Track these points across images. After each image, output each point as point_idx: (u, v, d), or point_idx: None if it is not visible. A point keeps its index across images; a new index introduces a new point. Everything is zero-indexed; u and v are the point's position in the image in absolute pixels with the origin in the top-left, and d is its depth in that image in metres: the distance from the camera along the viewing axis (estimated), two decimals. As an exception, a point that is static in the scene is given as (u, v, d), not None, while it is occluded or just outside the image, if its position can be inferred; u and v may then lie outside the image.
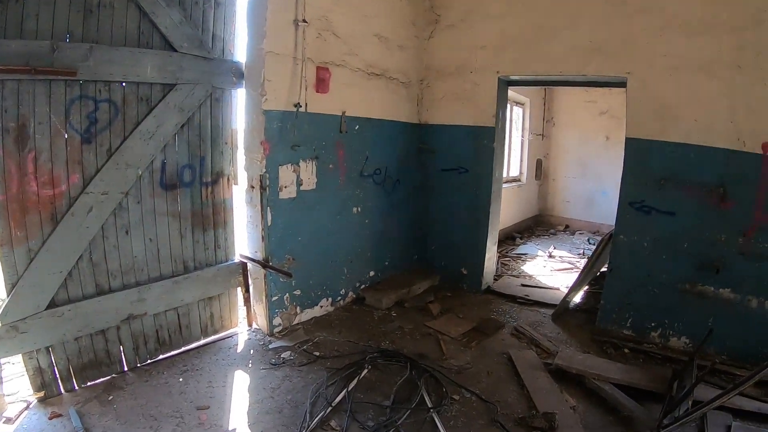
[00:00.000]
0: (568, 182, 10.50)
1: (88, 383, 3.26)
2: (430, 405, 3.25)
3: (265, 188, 3.89)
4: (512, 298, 5.55)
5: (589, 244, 8.94)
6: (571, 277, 6.47)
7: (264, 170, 3.90)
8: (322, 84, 4.29)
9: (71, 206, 2.98)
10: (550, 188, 10.73)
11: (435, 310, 4.97)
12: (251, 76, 3.85)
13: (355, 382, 3.47)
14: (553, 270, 6.94)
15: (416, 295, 5.40)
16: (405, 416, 3.10)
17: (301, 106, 4.08)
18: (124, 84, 3.14)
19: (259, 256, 4.01)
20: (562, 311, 5.01)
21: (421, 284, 5.53)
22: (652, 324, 4.50)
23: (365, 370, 3.62)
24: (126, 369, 3.46)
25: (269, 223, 4.00)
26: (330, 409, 3.13)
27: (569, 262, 7.40)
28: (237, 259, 4.09)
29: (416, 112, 5.78)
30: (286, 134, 4.06)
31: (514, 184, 9.10)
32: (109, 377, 3.37)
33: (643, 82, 4.38)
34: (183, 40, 3.38)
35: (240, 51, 3.86)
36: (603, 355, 4.22)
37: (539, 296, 5.63)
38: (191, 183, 3.63)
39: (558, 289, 6.00)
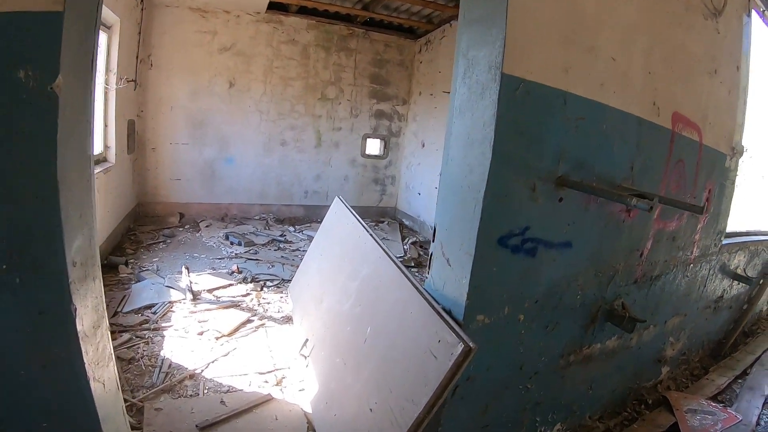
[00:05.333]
0: (177, 151, 6.99)
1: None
2: None
3: None
4: None
5: (231, 243, 6.02)
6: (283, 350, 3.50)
7: None
8: None
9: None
10: (149, 163, 6.85)
11: None
12: None
13: None
14: (222, 337, 3.65)
15: None
16: None
17: None
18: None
19: None
20: None
21: None
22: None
23: None
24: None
25: None
26: None
27: (233, 301, 4.27)
28: None
29: None
30: None
31: (97, 168, 4.77)
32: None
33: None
34: None
35: None
36: None
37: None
38: None
39: (287, 403, 2.89)
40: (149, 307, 4.05)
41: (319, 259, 3.91)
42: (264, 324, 3.89)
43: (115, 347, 3.38)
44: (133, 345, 3.46)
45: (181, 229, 6.52)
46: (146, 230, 6.22)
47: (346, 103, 7.90)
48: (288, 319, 4.00)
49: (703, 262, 3.30)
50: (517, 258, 1.96)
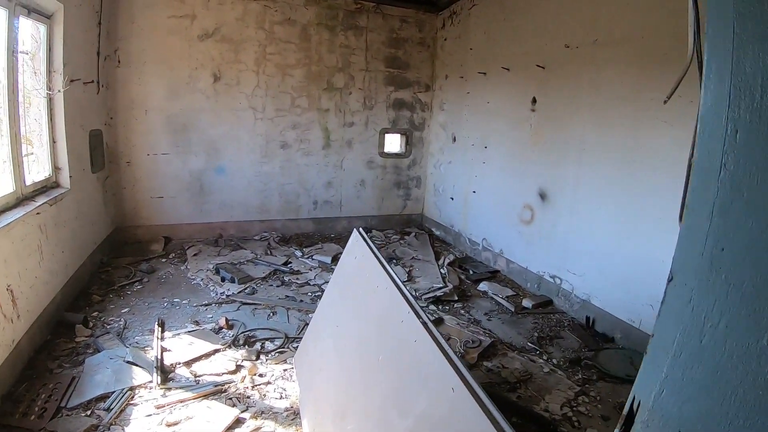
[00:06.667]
0: (157, 163, 5.77)
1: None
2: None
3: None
4: None
5: (223, 280, 4.81)
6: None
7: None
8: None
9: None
10: (125, 180, 5.65)
11: None
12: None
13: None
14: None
15: None
16: None
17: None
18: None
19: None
20: None
21: None
22: None
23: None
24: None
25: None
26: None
27: (217, 384, 3.04)
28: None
29: None
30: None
31: (40, 198, 3.54)
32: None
33: None
34: None
35: None
36: None
37: None
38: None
39: None
40: (103, 397, 2.86)
41: (335, 331, 2.65)
42: (261, 427, 2.66)
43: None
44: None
45: (164, 260, 5.32)
46: (122, 264, 5.04)
47: (357, 93, 6.58)
48: (295, 415, 2.77)
49: None
50: None
